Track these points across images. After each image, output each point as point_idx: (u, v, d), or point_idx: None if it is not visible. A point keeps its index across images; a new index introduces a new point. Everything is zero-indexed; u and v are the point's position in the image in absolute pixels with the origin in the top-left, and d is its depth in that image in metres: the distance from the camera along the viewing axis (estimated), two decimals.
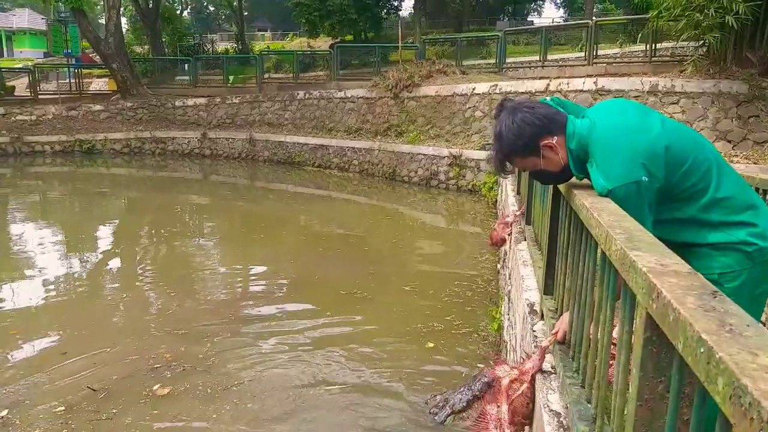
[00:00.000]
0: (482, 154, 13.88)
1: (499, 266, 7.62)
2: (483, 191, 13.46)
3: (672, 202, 2.01)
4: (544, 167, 2.20)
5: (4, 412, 4.43)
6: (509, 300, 4.91)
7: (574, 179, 2.32)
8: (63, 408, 4.50)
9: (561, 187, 2.50)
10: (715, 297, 0.97)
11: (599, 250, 1.70)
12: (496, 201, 11.64)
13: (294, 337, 5.91)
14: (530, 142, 2.15)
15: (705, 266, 1.94)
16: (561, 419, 1.93)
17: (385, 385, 4.97)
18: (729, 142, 10.88)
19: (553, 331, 2.33)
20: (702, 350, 0.81)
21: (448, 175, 14.66)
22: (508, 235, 5.11)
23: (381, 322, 6.34)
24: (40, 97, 23.64)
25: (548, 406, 2.02)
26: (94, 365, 5.17)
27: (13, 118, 21.53)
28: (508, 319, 4.72)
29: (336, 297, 7.09)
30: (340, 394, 4.82)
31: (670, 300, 0.97)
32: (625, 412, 1.21)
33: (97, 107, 22.79)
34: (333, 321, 6.35)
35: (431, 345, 5.71)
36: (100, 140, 21.24)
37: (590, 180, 2.09)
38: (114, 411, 4.48)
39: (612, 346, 1.61)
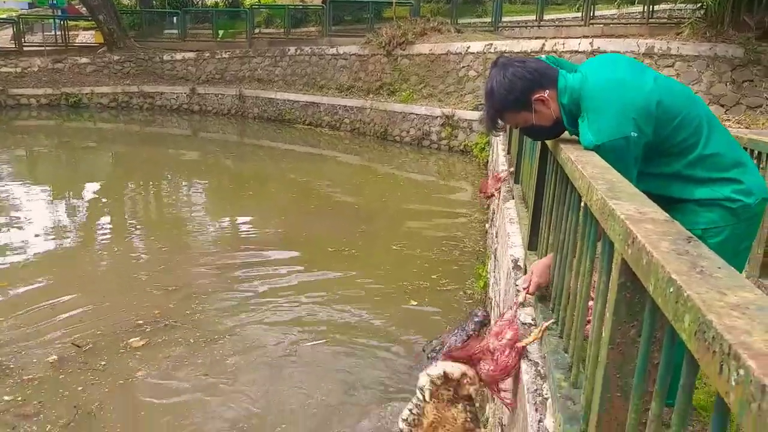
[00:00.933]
0: (475, 115, 13.78)
1: (487, 226, 7.66)
2: (474, 152, 13.42)
3: (661, 156, 2.01)
4: (536, 122, 2.17)
5: None
6: (495, 258, 4.94)
7: (564, 134, 2.31)
8: (55, 357, 4.54)
9: (549, 142, 2.48)
10: (689, 242, 0.98)
11: (582, 203, 1.70)
12: (488, 162, 11.62)
13: (280, 293, 5.95)
14: (522, 96, 2.12)
15: (690, 222, 1.95)
16: (539, 368, 1.96)
17: (369, 342, 5.03)
18: (722, 106, 10.85)
19: (524, 287, 2.36)
20: (671, 290, 0.81)
21: (440, 136, 14.58)
22: (497, 191, 5.12)
23: (367, 279, 6.39)
24: (25, 49, 23.03)
25: (527, 356, 2.05)
26: (80, 322, 5.17)
27: None
28: (494, 277, 4.77)
29: (324, 254, 7.12)
30: (324, 347, 4.89)
31: (644, 244, 0.97)
32: (599, 358, 1.22)
33: (84, 60, 22.29)
34: (320, 278, 6.39)
35: (414, 303, 5.78)
36: (87, 94, 20.85)
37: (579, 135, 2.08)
38: (103, 363, 4.53)
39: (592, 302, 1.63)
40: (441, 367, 2.32)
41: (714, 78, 10.95)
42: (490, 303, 4.88)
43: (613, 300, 1.13)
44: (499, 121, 2.28)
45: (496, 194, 5.09)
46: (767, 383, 0.54)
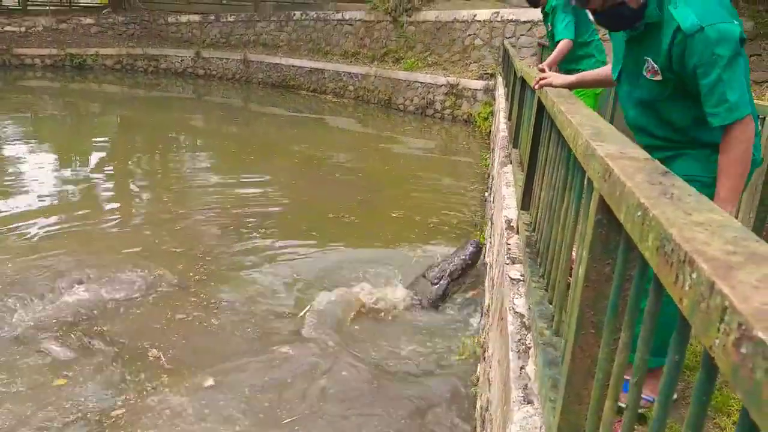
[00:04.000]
0: (479, 84, 13.65)
1: (486, 194, 7.64)
2: (478, 122, 13.32)
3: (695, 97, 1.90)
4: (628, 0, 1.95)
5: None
6: (492, 223, 4.95)
7: (562, 91, 2.28)
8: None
9: (543, 97, 2.46)
10: (664, 175, 0.97)
11: (570, 157, 1.69)
12: (490, 132, 11.54)
13: (280, 256, 6.00)
14: None
15: (704, 168, 1.94)
16: (524, 320, 1.97)
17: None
18: None
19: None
20: (639, 214, 0.81)
21: (444, 105, 14.46)
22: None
23: (365, 246, 6.42)
24: (29, 8, 22.81)
25: (513, 309, 2.07)
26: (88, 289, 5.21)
27: (1, 29, 20.85)
28: (490, 242, 4.78)
29: (324, 220, 7.13)
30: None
31: (619, 176, 0.97)
32: (574, 298, 1.23)
33: (88, 20, 22.06)
34: (318, 242, 6.43)
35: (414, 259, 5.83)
36: (92, 55, 20.69)
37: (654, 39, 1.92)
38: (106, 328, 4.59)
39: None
40: None
41: None
42: (485, 268, 4.91)
43: (590, 239, 1.13)
44: None
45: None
46: (715, 281, 0.54)
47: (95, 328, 4.46)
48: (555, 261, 1.81)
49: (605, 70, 2.53)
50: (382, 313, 4.77)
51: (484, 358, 3.50)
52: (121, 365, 4.02)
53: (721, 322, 0.52)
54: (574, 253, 1.67)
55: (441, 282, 4.85)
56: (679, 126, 2.02)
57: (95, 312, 4.69)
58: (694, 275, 0.59)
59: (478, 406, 3.39)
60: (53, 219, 6.96)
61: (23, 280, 5.07)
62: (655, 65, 1.95)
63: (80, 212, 7.33)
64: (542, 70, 2.79)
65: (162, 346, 4.25)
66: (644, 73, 2.00)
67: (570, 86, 2.55)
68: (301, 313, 4.81)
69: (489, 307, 3.71)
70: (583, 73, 2.85)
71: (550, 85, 2.53)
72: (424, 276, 5.10)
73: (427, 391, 3.94)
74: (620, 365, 0.97)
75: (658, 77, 1.95)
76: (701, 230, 0.69)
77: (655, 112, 2.06)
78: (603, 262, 1.12)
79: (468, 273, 5.16)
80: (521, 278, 2.31)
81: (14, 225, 6.57)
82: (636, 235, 0.81)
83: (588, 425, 1.11)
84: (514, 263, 2.47)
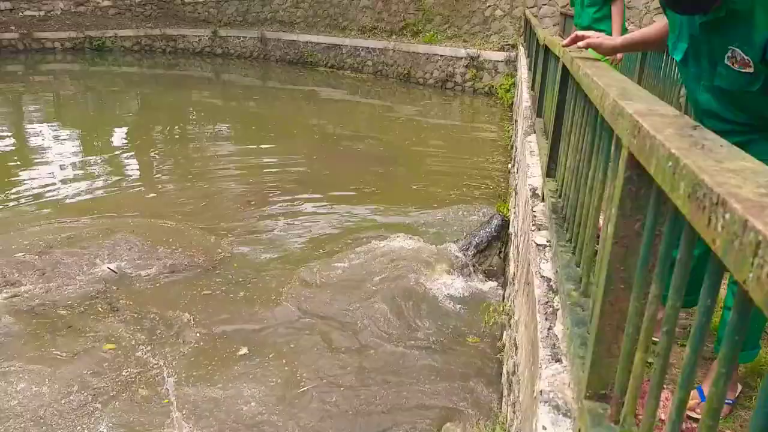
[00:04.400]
0: (501, 56, 13.47)
1: (509, 166, 7.61)
2: (499, 94, 13.18)
3: None
4: None
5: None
6: (516, 193, 4.94)
7: (587, 53, 2.26)
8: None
9: (569, 63, 2.44)
10: (695, 129, 0.98)
11: (597, 119, 1.69)
12: (512, 103, 11.43)
13: (302, 226, 6.12)
14: None
15: None
16: (551, 283, 2.00)
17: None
18: None
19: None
20: (670, 164, 0.82)
21: (465, 77, 14.31)
22: None
23: (387, 215, 6.46)
24: None
25: (540, 273, 2.09)
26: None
27: (20, 14, 21.05)
28: (514, 213, 4.78)
29: (344, 192, 7.19)
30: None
31: (648, 131, 0.97)
32: (604, 255, 1.25)
33: (106, 2, 22.17)
34: (340, 214, 6.50)
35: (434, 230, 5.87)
36: (110, 37, 20.82)
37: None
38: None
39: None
40: None
41: None
42: (510, 238, 4.92)
43: (619, 195, 1.15)
44: None
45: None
46: (748, 218, 0.56)
47: (125, 299, 4.60)
48: (582, 224, 1.82)
49: (653, 32, 2.33)
50: (408, 280, 4.83)
51: (510, 325, 3.54)
52: (158, 333, 4.16)
53: (755, 256, 0.54)
54: (601, 221, 1.69)
55: (467, 253, 4.90)
56: (764, 114, 1.90)
57: (126, 283, 4.83)
58: (726, 216, 0.61)
59: (504, 371, 3.44)
60: (79, 193, 7.17)
61: (54, 253, 5.23)
62: (746, 57, 1.77)
63: (105, 187, 7.53)
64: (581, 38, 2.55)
65: (195, 317, 4.38)
66: (726, 62, 1.84)
67: (618, 49, 2.42)
68: (324, 280, 4.90)
69: (514, 275, 3.74)
70: (631, 34, 2.66)
71: (598, 46, 2.36)
72: (449, 248, 5.14)
73: (452, 359, 4.00)
74: (650, 318, 0.99)
75: (749, 69, 1.78)
76: (733, 176, 0.71)
77: (737, 100, 1.91)
78: (633, 218, 1.13)
79: (494, 245, 5.20)
80: (547, 244, 2.32)
81: (42, 199, 6.76)
82: (667, 186, 0.83)
83: (618, 378, 1.14)
84: (539, 230, 2.49)
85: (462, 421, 3.38)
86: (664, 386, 0.99)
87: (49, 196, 6.98)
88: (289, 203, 6.82)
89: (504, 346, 3.80)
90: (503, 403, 3.26)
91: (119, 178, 8.05)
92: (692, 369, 0.82)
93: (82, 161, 8.74)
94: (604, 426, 1.17)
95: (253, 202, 6.85)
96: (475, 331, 4.32)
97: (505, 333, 3.91)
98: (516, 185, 5.08)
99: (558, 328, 1.73)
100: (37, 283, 4.75)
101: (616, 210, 1.16)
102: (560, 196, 2.49)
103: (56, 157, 8.77)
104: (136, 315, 4.39)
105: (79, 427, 3.29)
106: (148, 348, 4.00)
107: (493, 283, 4.90)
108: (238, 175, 8.19)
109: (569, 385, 1.49)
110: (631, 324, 1.09)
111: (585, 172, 1.95)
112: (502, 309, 4.34)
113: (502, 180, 7.76)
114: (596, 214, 1.63)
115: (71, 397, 3.50)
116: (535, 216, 2.67)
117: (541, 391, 1.49)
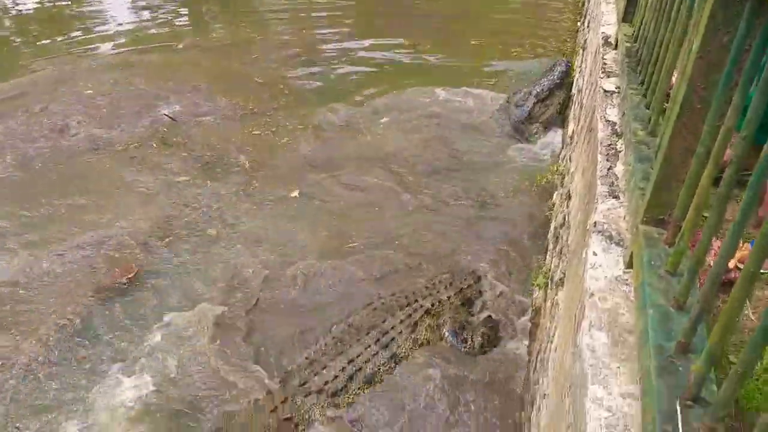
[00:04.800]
0: None
1: (578, 23, 7.13)
2: None
3: None
4: None
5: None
6: (584, 50, 4.68)
7: None
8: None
9: None
10: None
11: None
12: None
13: (351, 74, 6.11)
14: None
15: None
16: (615, 127, 1.94)
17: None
18: None
19: None
20: None
21: None
22: None
23: (442, 72, 6.31)
24: None
25: (605, 117, 2.02)
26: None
27: None
28: (580, 70, 4.55)
29: (398, 49, 6.95)
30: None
31: None
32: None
33: None
34: (393, 58, 6.43)
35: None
36: None
37: None
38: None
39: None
40: None
41: None
42: (573, 97, 4.73)
43: (710, 7, 1.06)
44: None
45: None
46: None
47: (186, 140, 4.78)
48: (659, 63, 1.72)
49: None
50: (461, 132, 4.81)
51: (562, 184, 3.51)
52: (218, 168, 4.39)
53: None
54: (673, 79, 1.59)
55: (525, 105, 4.69)
56: None
57: (183, 128, 4.99)
58: None
59: (552, 227, 3.47)
60: (132, 45, 7.18)
61: (111, 101, 5.39)
62: None
63: (158, 39, 7.49)
64: None
65: (249, 158, 4.55)
66: None
67: None
68: (375, 128, 4.94)
69: (573, 133, 3.64)
70: None
71: None
72: (507, 101, 4.97)
73: (501, 215, 4.04)
74: (727, 131, 0.96)
75: None
76: None
77: None
78: (723, 31, 1.06)
79: (555, 94, 4.90)
80: (615, 90, 2.23)
81: (94, 52, 6.83)
82: None
83: (680, 200, 1.13)
84: (609, 77, 2.38)
85: (508, 267, 3.49)
86: (716, 237, 0.98)
87: (98, 43, 7.02)
88: (338, 58, 6.72)
89: (554, 206, 3.80)
90: (548, 256, 3.32)
91: (169, 27, 7.96)
92: (753, 198, 0.79)
93: (132, 10, 8.63)
94: (659, 248, 1.19)
95: (303, 54, 6.77)
96: (526, 190, 4.31)
97: (555, 194, 3.89)
98: (585, 41, 4.79)
99: (618, 168, 1.70)
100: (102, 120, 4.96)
101: (705, 21, 1.08)
102: (636, 39, 2.34)
103: (105, 6, 8.69)
104: (194, 152, 4.59)
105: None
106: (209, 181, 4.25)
107: (548, 139, 4.78)
108: (289, 28, 7.90)
109: (624, 218, 1.49)
110: (703, 145, 1.06)
111: (668, 6, 1.81)
112: (555, 169, 4.28)
113: (567, 39, 7.31)
114: (677, 46, 1.53)
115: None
116: (605, 63, 2.53)
117: (595, 223, 1.50)
